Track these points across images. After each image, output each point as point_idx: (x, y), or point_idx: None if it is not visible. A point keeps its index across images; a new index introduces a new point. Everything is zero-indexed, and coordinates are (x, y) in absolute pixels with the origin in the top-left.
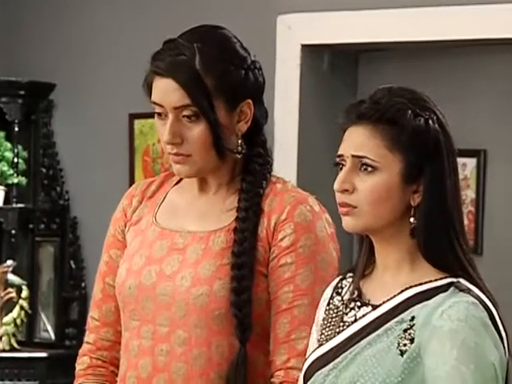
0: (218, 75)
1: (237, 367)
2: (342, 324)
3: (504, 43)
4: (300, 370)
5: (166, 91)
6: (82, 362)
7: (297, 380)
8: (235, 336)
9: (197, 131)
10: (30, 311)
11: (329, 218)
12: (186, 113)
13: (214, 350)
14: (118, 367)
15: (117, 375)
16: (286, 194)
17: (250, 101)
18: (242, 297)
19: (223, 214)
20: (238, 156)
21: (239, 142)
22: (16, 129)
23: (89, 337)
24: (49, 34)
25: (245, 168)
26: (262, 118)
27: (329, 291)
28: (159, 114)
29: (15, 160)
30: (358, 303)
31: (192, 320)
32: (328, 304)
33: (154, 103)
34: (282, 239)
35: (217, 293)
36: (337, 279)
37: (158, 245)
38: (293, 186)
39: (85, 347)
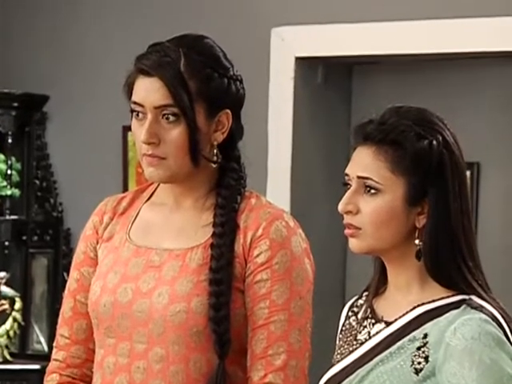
0: (202, 80)
1: (216, 382)
2: (355, 342)
3: (497, 56)
4: None
5: (149, 90)
6: (51, 379)
7: None
8: (213, 352)
9: (175, 133)
10: (23, 323)
11: (302, 233)
12: (166, 113)
13: (191, 366)
14: (88, 383)
15: None
16: (261, 209)
17: (228, 111)
18: (220, 312)
19: (199, 230)
20: (214, 165)
21: (215, 151)
22: (9, 141)
23: (57, 354)
24: (42, 46)
25: (219, 182)
26: (237, 133)
27: (345, 311)
28: (137, 116)
29: (9, 172)
30: (373, 320)
31: (169, 337)
32: (344, 324)
33: (135, 103)
34: (257, 255)
35: (195, 310)
36: (353, 299)
37: (134, 262)
38: (267, 200)
39: (53, 364)
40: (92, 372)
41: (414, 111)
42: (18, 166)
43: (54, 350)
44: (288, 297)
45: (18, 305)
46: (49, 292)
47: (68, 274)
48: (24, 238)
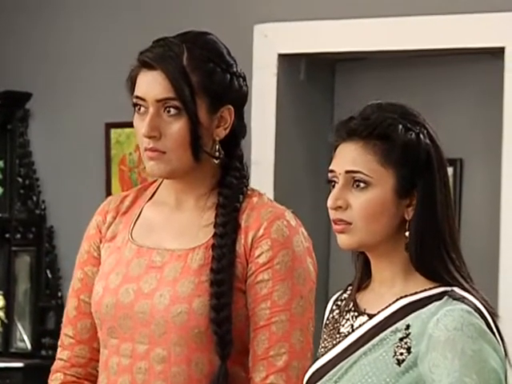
0: (204, 74)
1: (218, 383)
2: (338, 336)
3: (481, 52)
4: None
5: (151, 83)
6: (55, 379)
7: None
8: (215, 353)
9: (176, 127)
10: (6, 321)
11: (305, 231)
12: (167, 107)
13: (193, 367)
14: (92, 383)
15: None
16: (262, 208)
17: (231, 107)
18: (221, 314)
19: (201, 230)
20: (215, 161)
21: (216, 147)
22: None
23: (62, 353)
24: (25, 43)
25: (221, 181)
26: (240, 131)
27: (329, 305)
28: (139, 110)
29: None
30: (355, 313)
31: (171, 338)
32: (328, 318)
33: (137, 97)
34: (259, 256)
35: (196, 311)
36: (338, 293)
37: (136, 263)
38: (269, 198)
39: (58, 364)
40: (97, 371)
41: (396, 106)
42: (1, 163)
43: (59, 350)
44: (289, 297)
45: (0, 302)
46: (32, 290)
47: (51, 272)
48: (7, 235)
